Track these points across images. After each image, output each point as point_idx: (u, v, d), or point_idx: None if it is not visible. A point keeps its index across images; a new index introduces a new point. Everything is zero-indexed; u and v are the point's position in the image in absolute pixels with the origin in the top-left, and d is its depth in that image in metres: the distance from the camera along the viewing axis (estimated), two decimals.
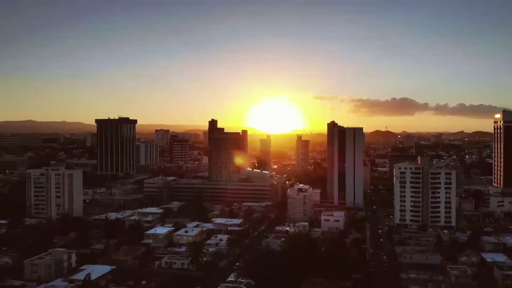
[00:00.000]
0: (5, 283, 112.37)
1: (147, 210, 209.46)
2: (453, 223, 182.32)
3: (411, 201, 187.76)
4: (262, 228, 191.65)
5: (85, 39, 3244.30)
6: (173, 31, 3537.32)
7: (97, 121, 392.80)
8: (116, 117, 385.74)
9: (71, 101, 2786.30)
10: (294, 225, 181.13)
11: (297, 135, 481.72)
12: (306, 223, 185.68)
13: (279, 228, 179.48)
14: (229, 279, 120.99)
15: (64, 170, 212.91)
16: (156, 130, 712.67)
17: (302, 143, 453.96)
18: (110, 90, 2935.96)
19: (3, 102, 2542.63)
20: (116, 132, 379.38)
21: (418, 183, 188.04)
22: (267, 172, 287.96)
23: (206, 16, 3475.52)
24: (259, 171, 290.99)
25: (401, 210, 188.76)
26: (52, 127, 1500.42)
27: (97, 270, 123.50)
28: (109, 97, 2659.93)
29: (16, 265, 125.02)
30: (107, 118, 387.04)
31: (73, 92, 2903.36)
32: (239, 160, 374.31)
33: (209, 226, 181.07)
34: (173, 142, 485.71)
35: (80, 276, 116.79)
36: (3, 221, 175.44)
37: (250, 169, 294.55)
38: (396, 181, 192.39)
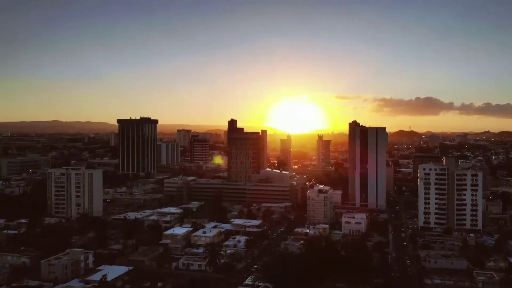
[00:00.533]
0: (22, 283, 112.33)
1: (166, 210, 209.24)
2: (480, 227, 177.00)
3: (436, 203, 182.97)
4: (281, 229, 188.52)
5: (109, 41, 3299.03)
6: (195, 32, 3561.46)
7: (119, 121, 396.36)
8: (138, 117, 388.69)
9: (96, 102, 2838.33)
10: (314, 227, 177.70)
11: (318, 135, 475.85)
12: (327, 225, 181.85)
13: (298, 230, 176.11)
14: (247, 282, 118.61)
15: (84, 169, 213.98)
16: (178, 130, 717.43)
17: (323, 143, 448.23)
18: (135, 90, 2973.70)
19: (30, 103, 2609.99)
20: (137, 132, 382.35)
21: (443, 184, 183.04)
22: (287, 172, 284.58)
23: (227, 16, 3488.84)
24: (278, 171, 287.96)
25: (425, 213, 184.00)
26: (77, 127, 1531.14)
27: (114, 271, 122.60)
28: (133, 98, 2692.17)
29: (34, 265, 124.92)
30: (128, 118, 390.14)
31: (97, 93, 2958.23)
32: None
33: (227, 227, 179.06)
34: (194, 142, 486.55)
35: (96, 276, 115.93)
36: (23, 221, 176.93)
37: (270, 170, 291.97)
38: (420, 183, 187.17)
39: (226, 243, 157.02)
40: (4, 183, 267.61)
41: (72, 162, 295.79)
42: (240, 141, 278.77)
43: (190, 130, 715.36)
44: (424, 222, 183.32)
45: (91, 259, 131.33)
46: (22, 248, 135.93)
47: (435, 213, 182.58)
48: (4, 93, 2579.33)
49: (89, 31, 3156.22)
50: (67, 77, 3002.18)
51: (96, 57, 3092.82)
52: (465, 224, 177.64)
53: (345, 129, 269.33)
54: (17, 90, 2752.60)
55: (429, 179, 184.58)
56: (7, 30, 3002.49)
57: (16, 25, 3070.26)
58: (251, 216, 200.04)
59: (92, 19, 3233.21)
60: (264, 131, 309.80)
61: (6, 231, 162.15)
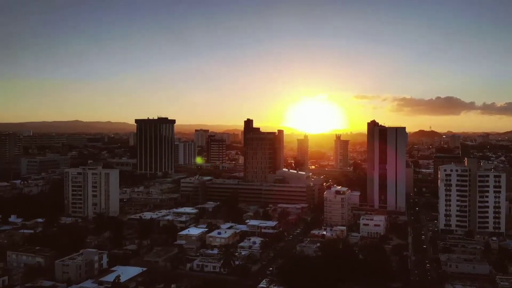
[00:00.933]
0: (36, 283, 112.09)
1: (182, 210, 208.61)
2: (503, 229, 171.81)
3: (457, 205, 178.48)
4: (297, 231, 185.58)
5: (130, 43, 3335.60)
6: (215, 33, 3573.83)
7: (137, 121, 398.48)
8: (155, 117, 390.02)
9: (116, 102, 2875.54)
10: (331, 229, 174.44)
11: (336, 134, 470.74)
12: (344, 228, 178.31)
13: (315, 232, 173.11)
14: (261, 285, 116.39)
15: (101, 169, 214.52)
16: (196, 130, 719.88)
17: (341, 143, 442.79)
18: (154, 91, 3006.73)
19: (52, 103, 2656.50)
20: (155, 131, 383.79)
21: (465, 186, 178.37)
22: (304, 173, 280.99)
23: (246, 17, 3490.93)
24: (295, 171, 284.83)
25: (446, 215, 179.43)
26: (97, 127, 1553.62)
27: (127, 272, 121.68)
28: (153, 98, 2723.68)
29: (48, 265, 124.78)
30: (146, 118, 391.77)
31: (118, 94, 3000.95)
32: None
33: (243, 228, 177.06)
34: (210, 141, 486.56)
35: (110, 277, 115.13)
36: (40, 220, 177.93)
37: (286, 170, 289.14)
38: (441, 184, 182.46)
39: (241, 244, 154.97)
40: (22, 182, 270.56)
41: (89, 161, 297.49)
42: (256, 141, 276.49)
43: (207, 130, 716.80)
44: (445, 225, 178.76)
45: (105, 259, 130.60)
46: (37, 248, 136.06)
47: (456, 216, 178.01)
48: (26, 93, 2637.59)
49: (109, 33, 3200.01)
50: (88, 78, 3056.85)
51: (117, 58, 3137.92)
52: (487, 227, 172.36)
53: (364, 129, 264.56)
54: (38, 91, 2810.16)
55: (450, 180, 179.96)
56: (31, 32, 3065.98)
57: (39, 27, 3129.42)
58: (266, 217, 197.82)
59: (112, 21, 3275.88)
60: (280, 131, 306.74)
61: (22, 231, 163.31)
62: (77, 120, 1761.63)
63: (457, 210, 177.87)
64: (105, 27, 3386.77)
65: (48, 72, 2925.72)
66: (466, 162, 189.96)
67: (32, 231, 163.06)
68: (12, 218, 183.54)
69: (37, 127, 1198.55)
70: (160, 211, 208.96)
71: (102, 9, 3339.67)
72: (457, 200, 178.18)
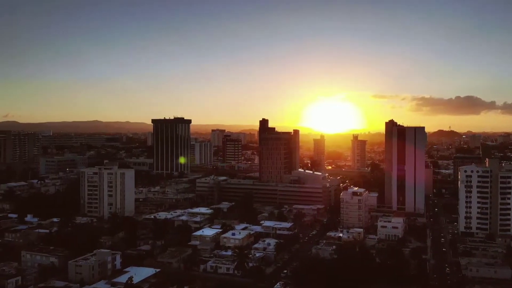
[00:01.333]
0: (49, 283, 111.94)
1: (197, 210, 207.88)
2: None
3: (478, 207, 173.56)
4: (313, 233, 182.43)
5: (149, 42, 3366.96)
6: (232, 32, 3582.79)
7: (153, 121, 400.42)
8: (172, 117, 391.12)
9: (134, 102, 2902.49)
10: (347, 231, 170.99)
11: (353, 134, 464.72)
12: (361, 230, 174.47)
13: (331, 234, 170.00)
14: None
15: (116, 169, 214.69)
16: (213, 130, 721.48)
17: (359, 143, 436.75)
18: (173, 91, 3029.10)
19: (72, 104, 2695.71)
20: (171, 131, 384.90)
21: (486, 187, 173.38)
22: (320, 173, 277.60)
23: (263, 16, 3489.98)
24: (311, 172, 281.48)
25: (466, 217, 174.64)
26: (116, 127, 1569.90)
27: (140, 273, 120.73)
28: (171, 98, 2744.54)
29: (62, 265, 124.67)
30: (162, 118, 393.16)
31: (137, 94, 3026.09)
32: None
33: (257, 229, 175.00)
34: (226, 141, 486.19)
35: (123, 278, 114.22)
36: (55, 220, 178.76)
37: (302, 170, 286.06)
38: (461, 185, 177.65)
39: (256, 246, 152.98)
40: (39, 182, 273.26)
41: (105, 161, 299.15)
42: (271, 141, 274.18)
43: (224, 130, 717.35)
44: (465, 227, 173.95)
45: (118, 260, 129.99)
46: (51, 247, 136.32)
47: (477, 218, 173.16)
48: (47, 95, 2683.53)
49: (128, 34, 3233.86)
50: (107, 79, 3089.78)
51: (136, 59, 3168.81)
52: (509, 230, 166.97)
53: (382, 128, 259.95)
54: (58, 91, 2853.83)
55: (470, 181, 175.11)
56: (52, 35, 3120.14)
57: (58, 30, 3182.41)
58: (281, 218, 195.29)
59: (129, 22, 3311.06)
60: (296, 131, 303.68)
61: (38, 230, 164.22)
62: (96, 120, 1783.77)
63: (478, 212, 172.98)
64: (122, 28, 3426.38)
65: (67, 74, 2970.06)
66: (487, 162, 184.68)
67: (47, 230, 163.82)
68: (29, 218, 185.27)
69: (57, 127, 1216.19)
70: (175, 211, 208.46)
71: (118, 10, 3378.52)
72: (478, 202, 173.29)
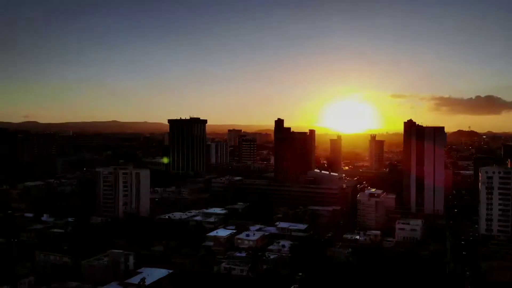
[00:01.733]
0: (62, 284, 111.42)
1: (212, 210, 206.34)
2: None
3: (499, 209, 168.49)
4: (329, 235, 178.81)
5: (166, 43, 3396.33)
6: (250, 33, 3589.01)
7: (169, 121, 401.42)
8: (188, 117, 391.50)
9: (152, 103, 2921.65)
10: (364, 234, 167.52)
11: (371, 134, 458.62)
12: (378, 232, 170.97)
13: (347, 236, 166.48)
14: None
15: (131, 169, 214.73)
16: (229, 130, 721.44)
17: (376, 143, 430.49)
18: (190, 91, 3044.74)
19: (91, 103, 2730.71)
20: (187, 131, 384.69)
21: (508, 189, 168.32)
22: (336, 174, 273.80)
23: (279, 17, 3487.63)
24: (327, 172, 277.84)
25: (487, 219, 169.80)
26: (134, 127, 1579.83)
27: (153, 274, 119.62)
28: (188, 98, 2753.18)
29: (75, 266, 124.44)
30: (179, 118, 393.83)
31: (154, 94, 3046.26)
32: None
33: (272, 230, 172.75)
34: (242, 141, 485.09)
35: (135, 279, 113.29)
36: (70, 219, 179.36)
37: (318, 171, 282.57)
38: (482, 187, 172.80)
39: (270, 247, 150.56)
40: (56, 181, 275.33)
41: (120, 161, 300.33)
42: (286, 141, 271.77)
43: (240, 130, 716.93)
44: (486, 230, 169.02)
45: (131, 260, 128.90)
46: (65, 247, 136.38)
47: (499, 220, 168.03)
48: (67, 95, 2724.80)
49: (145, 33, 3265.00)
50: (125, 79, 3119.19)
51: (155, 59, 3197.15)
52: None
53: (400, 129, 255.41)
54: (79, 92, 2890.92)
55: (492, 183, 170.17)
56: (73, 35, 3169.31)
57: (75, 31, 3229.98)
58: (296, 219, 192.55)
59: (149, 23, 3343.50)
60: (312, 131, 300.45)
61: (53, 230, 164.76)
62: (114, 120, 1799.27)
63: (499, 215, 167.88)
64: (142, 29, 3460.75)
65: (86, 74, 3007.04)
66: (509, 163, 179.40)
67: (62, 230, 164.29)
68: (44, 217, 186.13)
69: (76, 127, 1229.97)
70: (190, 211, 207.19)
71: (142, 11, 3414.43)
72: (499, 204, 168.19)
